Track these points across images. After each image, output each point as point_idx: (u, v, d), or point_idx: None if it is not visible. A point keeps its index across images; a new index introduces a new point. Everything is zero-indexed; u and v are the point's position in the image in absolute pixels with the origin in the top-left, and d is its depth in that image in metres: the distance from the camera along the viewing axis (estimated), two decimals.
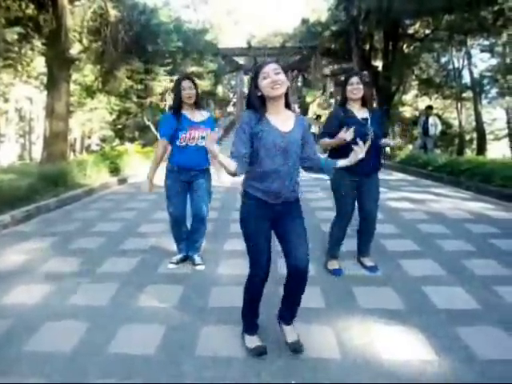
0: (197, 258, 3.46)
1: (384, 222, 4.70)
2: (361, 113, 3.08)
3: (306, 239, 2.13)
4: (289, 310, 2.23)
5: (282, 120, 2.03)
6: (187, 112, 3.20)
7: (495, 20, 12.72)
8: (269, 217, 2.09)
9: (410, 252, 3.71)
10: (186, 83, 3.15)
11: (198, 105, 3.25)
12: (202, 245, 3.54)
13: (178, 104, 3.18)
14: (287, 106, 2.07)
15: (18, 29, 8.31)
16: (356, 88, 3.01)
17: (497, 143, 25.20)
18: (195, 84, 3.22)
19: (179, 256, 3.48)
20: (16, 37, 8.63)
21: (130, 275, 3.28)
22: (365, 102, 3.10)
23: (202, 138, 3.16)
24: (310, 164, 2.17)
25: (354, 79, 3.03)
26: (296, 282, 2.13)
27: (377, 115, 3.17)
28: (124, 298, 2.85)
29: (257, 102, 2.00)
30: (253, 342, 2.18)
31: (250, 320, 2.25)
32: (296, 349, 2.14)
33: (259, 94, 1.99)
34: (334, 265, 3.30)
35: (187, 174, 3.25)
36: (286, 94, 2.03)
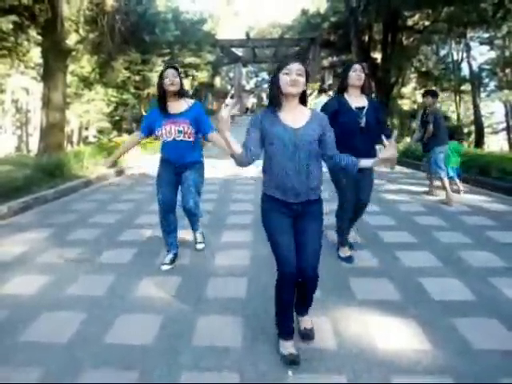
0: (198, 236, 3.66)
1: (381, 214, 4.71)
2: (358, 101, 3.11)
3: (319, 242, 2.09)
4: (300, 307, 2.26)
5: (293, 116, 2.00)
6: (170, 103, 3.16)
7: (495, 12, 12.65)
8: (288, 214, 2.06)
9: (406, 244, 3.72)
10: (168, 71, 3.12)
11: (182, 94, 3.20)
12: (199, 224, 3.68)
13: (161, 94, 3.14)
14: (303, 102, 2.06)
15: (13, 17, 8.20)
16: (359, 74, 3.06)
17: (494, 136, 25.27)
18: (179, 73, 3.18)
19: (170, 255, 3.34)
20: (11, 26, 8.52)
21: (127, 266, 3.28)
22: (364, 90, 3.13)
23: (180, 132, 3.12)
24: (331, 163, 2.10)
25: (358, 66, 3.11)
26: (304, 284, 2.10)
27: (374, 105, 3.18)
28: (121, 289, 2.85)
29: (277, 95, 1.98)
30: (286, 348, 2.06)
31: (283, 323, 2.12)
32: (305, 335, 2.21)
33: (278, 86, 1.97)
34: (345, 252, 3.33)
35: (175, 166, 3.24)
36: (304, 92, 2.02)
